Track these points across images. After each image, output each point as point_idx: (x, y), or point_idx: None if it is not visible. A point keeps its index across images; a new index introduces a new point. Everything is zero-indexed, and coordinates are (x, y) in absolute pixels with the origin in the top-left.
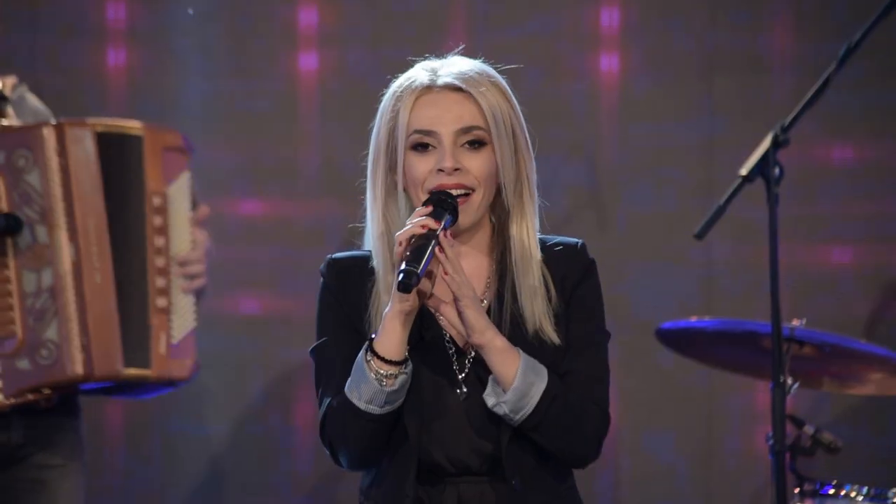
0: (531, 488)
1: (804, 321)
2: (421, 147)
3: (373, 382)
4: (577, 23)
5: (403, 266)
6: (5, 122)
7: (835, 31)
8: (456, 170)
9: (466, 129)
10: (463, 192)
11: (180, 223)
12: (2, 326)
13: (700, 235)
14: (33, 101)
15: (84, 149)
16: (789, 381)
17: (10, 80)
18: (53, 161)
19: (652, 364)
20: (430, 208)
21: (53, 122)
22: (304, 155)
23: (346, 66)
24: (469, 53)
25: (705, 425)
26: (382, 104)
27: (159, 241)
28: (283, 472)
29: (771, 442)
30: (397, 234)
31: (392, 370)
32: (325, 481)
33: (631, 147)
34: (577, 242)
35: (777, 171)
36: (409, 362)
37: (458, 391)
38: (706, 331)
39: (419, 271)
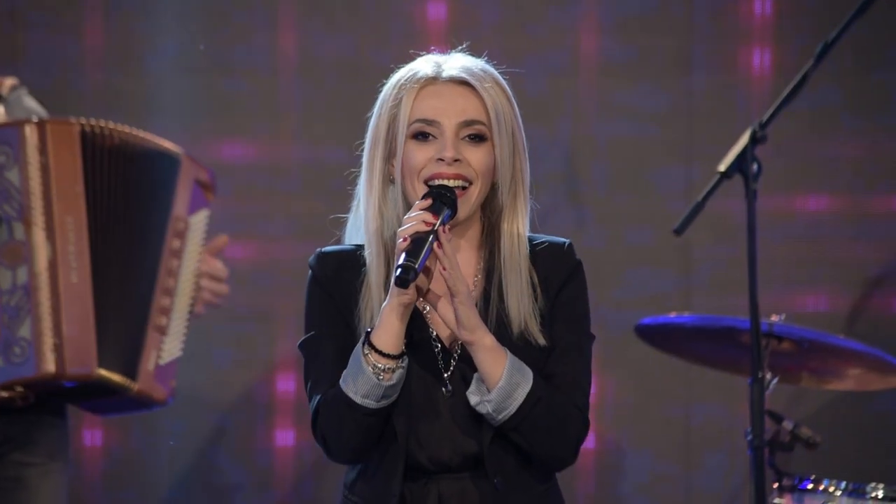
0: (512, 488)
1: (783, 317)
2: (422, 136)
3: (370, 376)
4: (558, 15)
5: (402, 261)
6: None
7: (813, 27)
8: (456, 161)
9: (469, 123)
10: (461, 183)
11: (192, 254)
12: None
13: (679, 231)
14: (30, 103)
15: (67, 148)
16: (768, 376)
17: (9, 81)
18: (34, 159)
19: (631, 360)
20: (429, 202)
21: (36, 119)
22: (284, 151)
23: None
24: (450, 46)
25: (684, 421)
26: (383, 94)
27: (173, 263)
28: (264, 468)
29: (750, 437)
30: (399, 229)
31: (390, 364)
32: (306, 479)
33: (609, 144)
34: (565, 242)
35: (755, 167)
36: (406, 357)
37: (444, 389)
38: (685, 326)
39: (417, 266)
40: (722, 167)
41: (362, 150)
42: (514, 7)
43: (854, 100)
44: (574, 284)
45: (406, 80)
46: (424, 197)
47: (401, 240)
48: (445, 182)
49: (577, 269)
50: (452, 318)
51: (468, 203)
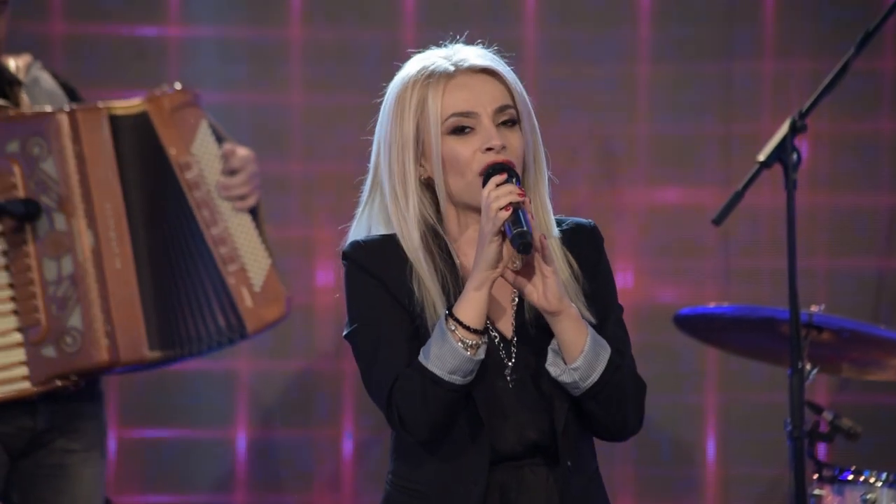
0: (577, 469)
1: (822, 307)
2: (460, 130)
3: (460, 351)
4: (607, 7)
5: (515, 230)
6: (18, 110)
7: (853, 16)
8: (503, 147)
9: (502, 108)
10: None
11: (212, 172)
12: (26, 315)
13: (718, 221)
14: (47, 80)
15: (98, 134)
16: (808, 367)
17: (24, 60)
18: (68, 148)
19: (670, 350)
20: (504, 176)
21: (67, 108)
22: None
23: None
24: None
25: (723, 412)
26: (398, 95)
27: (206, 214)
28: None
29: (789, 428)
30: (493, 202)
31: (477, 339)
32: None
33: (648, 133)
34: (590, 222)
35: (795, 156)
36: (488, 332)
37: (508, 378)
38: (724, 317)
39: (530, 230)
40: (762, 157)
41: (376, 159)
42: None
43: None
44: (604, 259)
45: (426, 78)
46: (494, 173)
47: (502, 209)
48: None
49: (602, 250)
50: (538, 290)
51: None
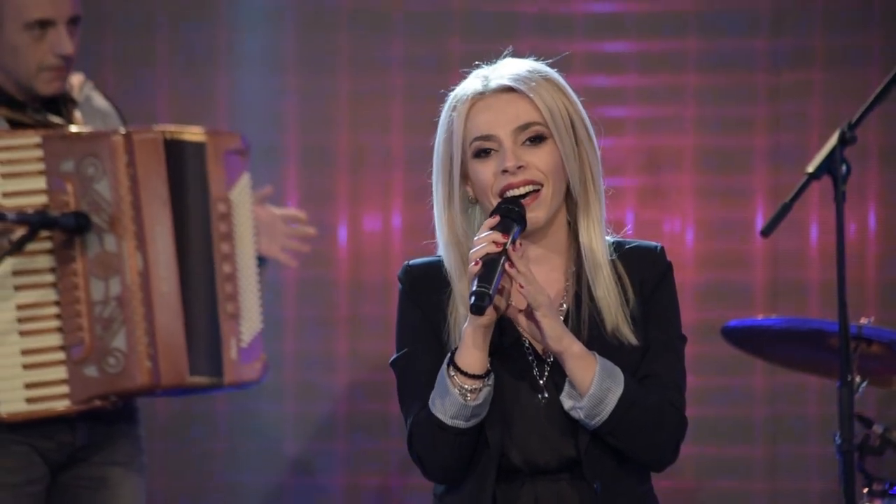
0: (612, 491)
1: (872, 319)
2: (483, 153)
3: (457, 398)
4: (642, 15)
5: (475, 287)
6: (74, 129)
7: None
8: (520, 167)
9: (524, 127)
10: (532, 188)
11: (244, 227)
12: (70, 333)
13: (766, 232)
14: (99, 99)
15: (153, 158)
16: (857, 379)
17: (78, 80)
18: (122, 170)
19: (718, 362)
20: (497, 219)
21: (123, 130)
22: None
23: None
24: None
25: (772, 425)
26: (441, 119)
27: (226, 248)
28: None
29: (839, 441)
30: (470, 252)
31: (476, 384)
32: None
33: (695, 144)
34: (657, 246)
35: (844, 168)
36: (492, 374)
37: (539, 396)
38: (772, 329)
39: (491, 292)
40: (810, 168)
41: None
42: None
43: None
44: (666, 286)
45: (456, 102)
46: (492, 215)
47: (472, 264)
48: (516, 192)
49: (669, 272)
50: (535, 330)
51: (545, 206)
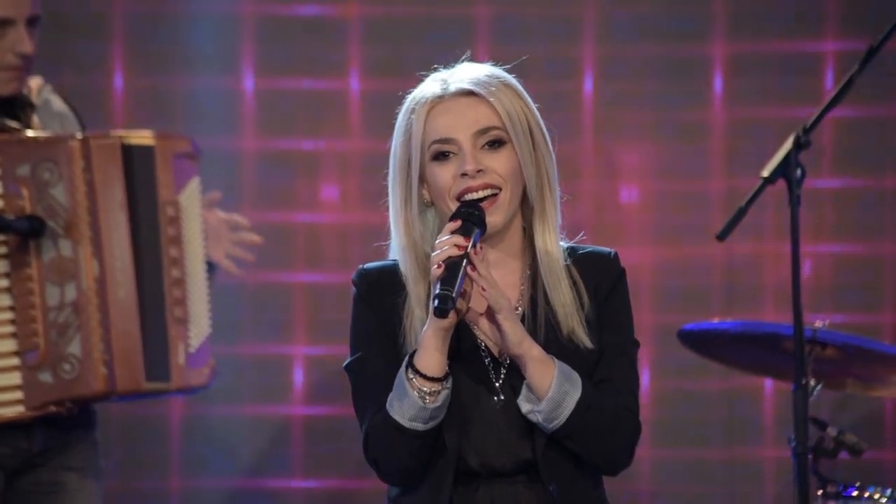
0: (567, 493)
1: (827, 322)
2: (442, 156)
3: (416, 400)
4: (599, 20)
5: (438, 290)
6: (31, 133)
7: (859, 31)
8: (479, 171)
9: (484, 130)
10: (490, 192)
11: (193, 231)
12: (25, 339)
13: (722, 237)
14: (58, 103)
15: (110, 163)
16: (812, 382)
17: (36, 83)
18: (79, 176)
19: (674, 366)
20: (458, 223)
21: (80, 136)
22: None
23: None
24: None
25: (727, 427)
26: (398, 121)
27: (174, 252)
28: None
29: (793, 444)
30: (432, 255)
31: (434, 387)
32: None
33: (654, 149)
34: (610, 252)
35: (799, 172)
36: (450, 377)
37: (496, 398)
38: (728, 332)
39: (454, 295)
40: (765, 172)
41: (387, 179)
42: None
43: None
44: (619, 291)
45: (414, 104)
46: (452, 219)
47: (434, 266)
48: (475, 195)
49: (622, 277)
50: (495, 334)
51: (503, 210)
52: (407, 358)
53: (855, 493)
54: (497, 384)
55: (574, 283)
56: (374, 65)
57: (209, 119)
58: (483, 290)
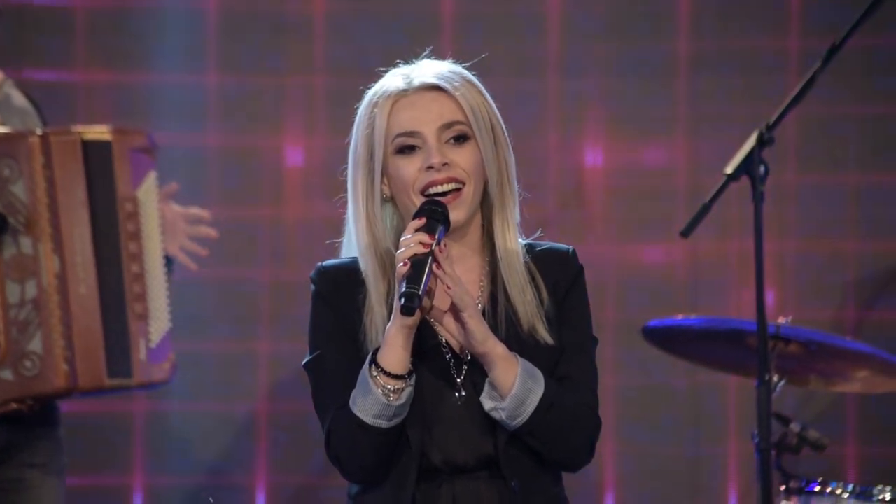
0: (528, 490)
1: (790, 319)
2: (407, 149)
3: (379, 398)
4: (563, 18)
5: (404, 289)
6: None
7: (820, 28)
8: (444, 164)
9: (449, 125)
10: (454, 186)
11: (151, 226)
12: None
13: (686, 233)
14: (19, 98)
15: (70, 159)
16: (775, 378)
17: None
18: (39, 172)
19: (638, 363)
20: (423, 221)
21: (39, 132)
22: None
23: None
24: (462, 53)
25: (691, 423)
26: (358, 116)
27: (133, 247)
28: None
29: (756, 440)
30: (397, 253)
31: (398, 384)
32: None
33: (616, 145)
34: (569, 249)
35: (762, 169)
36: (414, 375)
37: (457, 395)
38: (692, 329)
39: (420, 292)
40: (729, 169)
41: (346, 175)
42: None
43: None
44: (578, 288)
45: (377, 98)
46: (416, 216)
47: (400, 264)
48: (439, 188)
49: (581, 274)
50: (460, 332)
51: (465, 204)
52: (370, 355)
53: (817, 489)
54: (459, 380)
55: (533, 280)
56: (339, 61)
57: (173, 115)
58: (448, 287)
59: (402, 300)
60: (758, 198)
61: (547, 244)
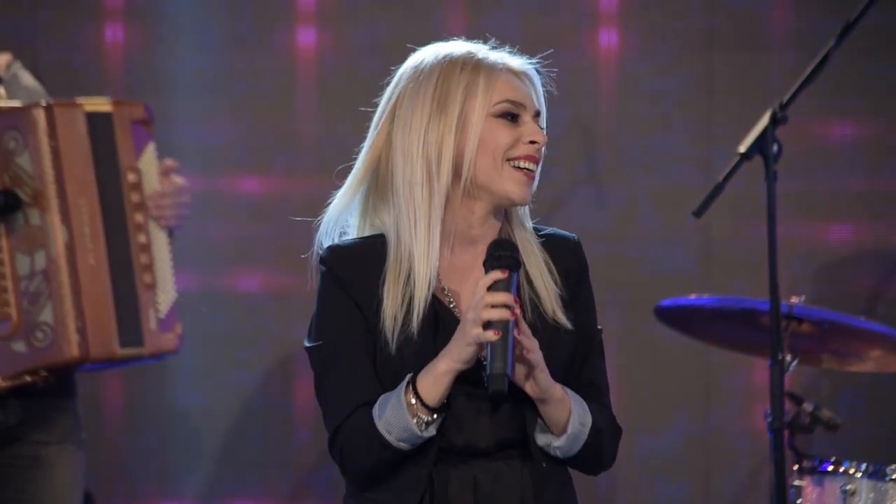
0: (544, 472)
1: (803, 298)
2: (509, 116)
3: (411, 426)
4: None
5: (495, 370)
6: None
7: (834, 7)
8: (544, 144)
9: (537, 114)
10: (534, 167)
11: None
12: None
13: (699, 213)
14: (27, 78)
15: (75, 130)
16: (788, 358)
17: (5, 58)
18: (44, 143)
19: (651, 342)
20: (505, 273)
21: (44, 103)
22: (302, 132)
23: (344, 42)
24: (471, 31)
25: (704, 403)
26: (440, 77)
27: (139, 218)
28: (284, 447)
29: (769, 419)
30: (483, 312)
31: (432, 417)
32: (325, 458)
33: (630, 124)
34: (574, 237)
35: (775, 148)
36: (446, 406)
37: (486, 386)
38: (705, 308)
39: (509, 371)
40: (742, 148)
41: (384, 143)
42: None
43: (869, 82)
44: (585, 282)
45: (477, 61)
46: (490, 265)
47: (492, 332)
48: (524, 164)
49: (587, 269)
50: (524, 381)
51: (532, 188)
52: (409, 378)
53: (830, 468)
54: (485, 374)
55: (546, 265)
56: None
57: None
58: (527, 351)
59: (492, 383)
60: (771, 177)
61: (550, 229)
